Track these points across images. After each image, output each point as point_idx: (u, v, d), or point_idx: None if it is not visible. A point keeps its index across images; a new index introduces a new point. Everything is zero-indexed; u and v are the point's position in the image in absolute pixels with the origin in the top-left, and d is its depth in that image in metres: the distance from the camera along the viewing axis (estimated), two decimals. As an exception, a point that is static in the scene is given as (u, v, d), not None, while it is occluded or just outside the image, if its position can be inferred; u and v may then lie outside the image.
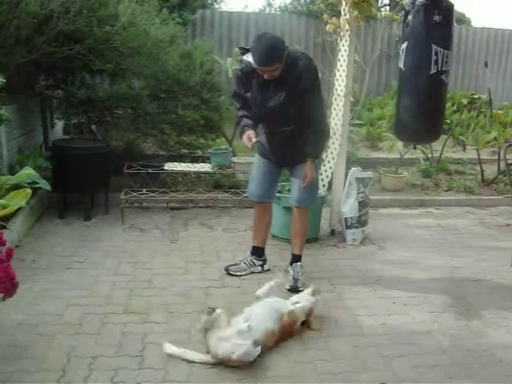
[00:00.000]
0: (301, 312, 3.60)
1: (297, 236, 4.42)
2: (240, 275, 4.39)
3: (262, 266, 4.53)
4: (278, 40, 3.86)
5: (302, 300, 3.68)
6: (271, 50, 3.77)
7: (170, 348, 3.22)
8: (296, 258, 4.41)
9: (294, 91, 3.91)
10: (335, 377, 3.13)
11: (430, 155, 7.90)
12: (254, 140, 4.04)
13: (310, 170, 4.16)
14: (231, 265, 4.44)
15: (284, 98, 3.93)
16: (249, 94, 4.11)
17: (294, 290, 4.17)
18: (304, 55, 4.03)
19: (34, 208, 5.40)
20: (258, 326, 3.27)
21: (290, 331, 3.50)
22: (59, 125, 7.96)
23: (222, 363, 3.13)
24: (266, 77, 3.87)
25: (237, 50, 7.71)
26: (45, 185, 5.22)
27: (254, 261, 4.50)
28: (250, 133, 4.06)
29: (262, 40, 3.82)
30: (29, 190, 4.78)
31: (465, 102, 11.20)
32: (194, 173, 6.64)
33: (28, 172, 5.01)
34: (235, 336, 3.15)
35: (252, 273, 4.46)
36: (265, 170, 4.38)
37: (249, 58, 3.92)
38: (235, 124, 7.36)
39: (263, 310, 3.44)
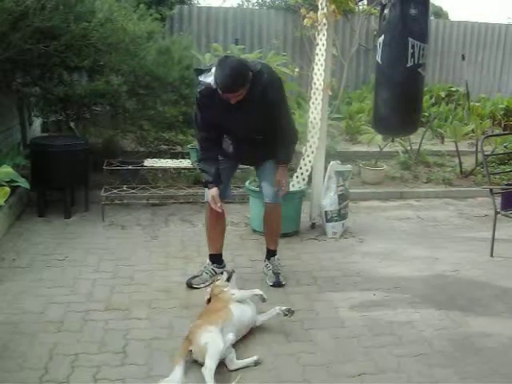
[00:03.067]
0: None
1: (273, 231, 4.40)
2: (204, 287, 4.10)
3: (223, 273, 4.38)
4: (241, 64, 3.64)
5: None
6: (235, 76, 3.57)
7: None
8: (273, 253, 4.41)
9: (260, 106, 3.78)
10: (318, 368, 3.16)
11: (408, 148, 7.95)
12: (219, 204, 3.98)
13: (284, 175, 4.13)
14: (193, 277, 4.20)
15: (250, 113, 3.78)
16: (210, 115, 3.92)
17: (278, 285, 4.20)
18: (265, 67, 3.85)
19: (13, 207, 5.35)
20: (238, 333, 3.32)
21: None
22: (37, 122, 7.90)
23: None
24: (231, 101, 3.68)
25: (214, 45, 7.73)
26: (24, 183, 5.16)
27: (216, 269, 4.27)
28: (215, 195, 3.97)
29: (225, 66, 3.57)
30: (7, 189, 4.73)
31: (443, 94, 11.27)
32: (174, 169, 6.62)
33: (6, 170, 4.96)
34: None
35: None
36: (221, 168, 4.14)
37: (207, 78, 3.72)
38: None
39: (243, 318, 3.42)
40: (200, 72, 3.86)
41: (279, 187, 4.14)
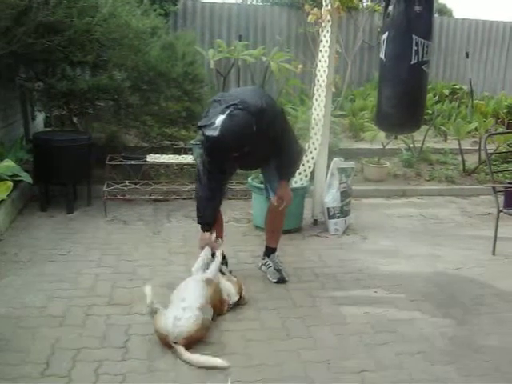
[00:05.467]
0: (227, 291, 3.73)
1: (275, 229, 4.39)
2: None
3: None
4: (246, 122, 3.52)
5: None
6: (241, 137, 3.50)
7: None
8: (273, 250, 4.39)
9: (265, 141, 3.73)
10: (319, 365, 3.16)
11: (411, 145, 7.94)
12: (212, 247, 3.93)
13: (285, 189, 4.10)
14: None
15: (257, 150, 3.72)
16: (218, 160, 3.85)
17: (282, 281, 4.20)
18: (266, 101, 3.72)
19: (16, 201, 5.36)
20: (193, 299, 3.36)
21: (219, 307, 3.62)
22: (40, 117, 7.90)
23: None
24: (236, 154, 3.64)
25: (218, 40, 7.72)
26: (26, 177, 5.18)
27: None
28: (209, 241, 3.93)
29: (231, 128, 3.47)
30: (10, 183, 4.74)
31: (446, 92, 11.24)
32: (177, 164, 6.63)
33: (8, 164, 4.97)
34: (182, 312, 3.25)
35: None
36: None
37: (213, 132, 3.52)
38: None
39: (189, 284, 3.56)
40: (203, 127, 3.66)
41: (282, 202, 4.09)
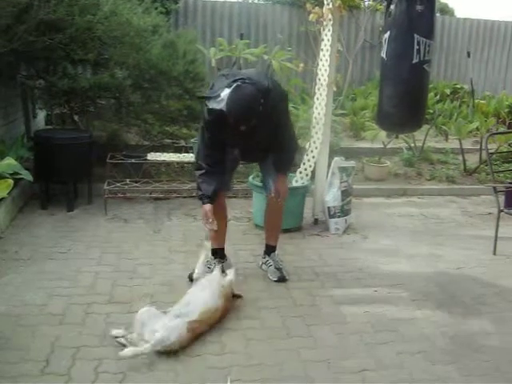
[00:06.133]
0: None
1: (274, 227, 4.39)
2: None
3: None
4: (252, 95, 3.51)
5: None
6: (248, 109, 3.49)
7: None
8: (274, 248, 4.38)
9: (267, 122, 3.69)
10: (319, 364, 3.15)
11: (412, 145, 7.93)
12: (210, 220, 3.81)
13: (283, 184, 4.11)
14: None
15: (259, 130, 3.66)
16: (218, 136, 3.82)
17: (282, 280, 4.19)
18: (272, 82, 3.73)
19: (16, 199, 5.35)
20: (195, 306, 3.35)
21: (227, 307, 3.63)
22: (41, 115, 7.90)
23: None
24: (242, 129, 3.57)
25: (219, 39, 7.70)
26: (27, 175, 5.19)
27: (218, 264, 4.22)
28: (208, 211, 3.81)
29: (237, 99, 3.49)
30: (10, 181, 4.75)
31: (447, 91, 11.24)
32: (178, 163, 6.62)
33: (9, 162, 4.98)
34: (172, 320, 3.26)
35: None
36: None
37: (218, 105, 3.58)
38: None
39: (200, 290, 3.56)
40: (207, 98, 3.70)
41: (278, 196, 4.08)
